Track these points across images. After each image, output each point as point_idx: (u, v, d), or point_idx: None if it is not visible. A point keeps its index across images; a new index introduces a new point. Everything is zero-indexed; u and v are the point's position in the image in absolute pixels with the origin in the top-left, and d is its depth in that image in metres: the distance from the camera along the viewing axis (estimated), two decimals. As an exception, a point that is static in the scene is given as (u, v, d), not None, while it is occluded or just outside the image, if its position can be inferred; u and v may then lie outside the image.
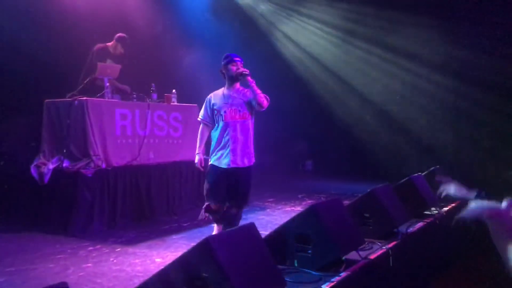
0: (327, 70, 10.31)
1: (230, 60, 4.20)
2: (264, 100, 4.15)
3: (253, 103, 4.16)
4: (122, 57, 6.23)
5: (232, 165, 4.12)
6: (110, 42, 6.21)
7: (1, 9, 6.07)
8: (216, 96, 4.24)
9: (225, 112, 4.15)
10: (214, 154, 4.20)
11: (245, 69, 4.16)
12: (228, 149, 4.12)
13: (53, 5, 6.66)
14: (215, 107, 4.19)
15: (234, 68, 4.16)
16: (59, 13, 6.66)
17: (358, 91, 10.14)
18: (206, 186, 4.25)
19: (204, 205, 4.25)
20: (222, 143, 4.15)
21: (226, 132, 4.14)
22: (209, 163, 4.25)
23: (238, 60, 4.20)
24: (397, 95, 9.76)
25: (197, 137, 4.37)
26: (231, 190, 4.19)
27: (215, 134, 4.21)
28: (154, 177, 5.77)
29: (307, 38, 10.48)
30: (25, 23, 6.38)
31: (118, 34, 6.21)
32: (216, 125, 4.21)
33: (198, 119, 4.36)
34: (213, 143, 4.23)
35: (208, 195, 4.22)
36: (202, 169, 4.36)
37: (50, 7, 6.63)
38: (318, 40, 10.39)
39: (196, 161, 4.32)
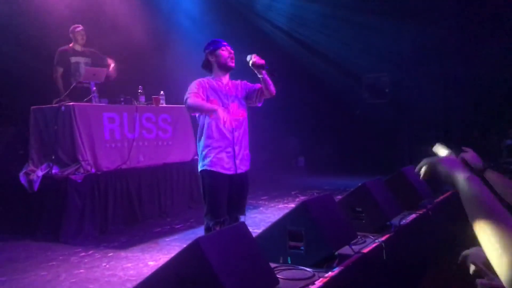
0: (318, 64, 10.26)
1: (219, 45, 3.48)
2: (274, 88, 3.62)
3: (258, 95, 3.60)
4: (89, 46, 6.28)
5: (238, 171, 3.48)
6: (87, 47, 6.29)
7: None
8: (210, 88, 3.45)
9: (225, 107, 3.45)
10: (212, 157, 3.41)
11: (261, 60, 3.47)
12: (231, 153, 3.45)
13: (38, 11, 6.60)
14: (211, 97, 3.44)
15: (226, 53, 3.48)
16: (44, 19, 6.59)
17: (347, 84, 10.14)
18: (209, 200, 3.43)
19: (205, 227, 3.46)
20: (222, 145, 3.42)
21: (227, 131, 3.45)
22: (205, 168, 3.44)
23: (227, 45, 3.51)
24: (386, 88, 9.78)
25: (195, 104, 3.35)
26: (233, 198, 3.52)
27: (212, 133, 3.43)
28: (144, 180, 5.73)
29: (299, 29, 10.33)
30: (10, 29, 6.32)
31: (71, 28, 6.20)
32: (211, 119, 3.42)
33: (188, 95, 3.38)
34: (207, 142, 3.43)
35: (209, 214, 3.41)
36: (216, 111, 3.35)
37: (35, 13, 6.57)
38: (311, 31, 10.28)
39: (213, 108, 3.36)
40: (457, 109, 8.86)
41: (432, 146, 2.12)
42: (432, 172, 1.30)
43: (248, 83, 3.67)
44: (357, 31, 9.63)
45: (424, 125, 9.20)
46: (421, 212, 4.14)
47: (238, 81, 3.64)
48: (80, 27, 6.20)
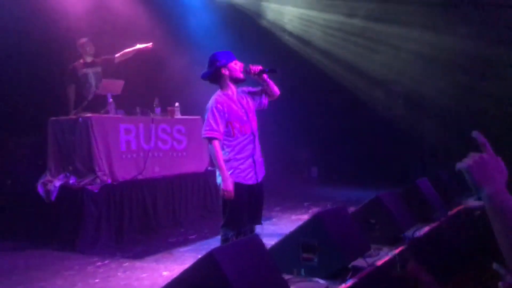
0: (332, 74, 10.22)
1: (232, 58, 3.53)
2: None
3: (262, 98, 3.67)
4: (99, 55, 6.30)
5: (259, 181, 3.56)
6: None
7: (5, 27, 6.15)
8: (225, 103, 3.47)
9: (245, 121, 3.51)
10: (233, 169, 3.45)
11: (257, 66, 3.53)
12: (252, 162, 3.51)
13: (56, 23, 6.74)
14: (231, 119, 3.46)
15: (238, 67, 3.52)
16: (62, 31, 6.74)
17: (361, 96, 10.13)
18: (230, 212, 3.44)
19: (222, 238, 3.49)
20: (244, 156, 3.48)
21: (248, 143, 3.51)
22: (226, 184, 3.40)
23: (235, 58, 3.58)
24: (400, 99, 9.76)
25: (215, 158, 3.42)
26: (252, 208, 3.57)
27: (232, 147, 3.49)
28: (159, 191, 5.80)
29: (313, 35, 10.20)
30: (29, 42, 6.48)
31: (77, 43, 6.23)
32: (231, 137, 3.48)
33: (208, 135, 3.43)
34: (230, 155, 3.48)
35: (229, 225, 3.44)
36: (232, 196, 3.39)
37: (53, 25, 6.72)
38: (326, 38, 10.23)
39: (227, 188, 3.37)
40: (474, 120, 8.79)
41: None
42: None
43: (250, 89, 3.71)
44: (371, 40, 9.62)
45: (438, 137, 9.15)
46: (434, 224, 4.14)
47: (241, 90, 3.65)
48: (85, 39, 6.19)
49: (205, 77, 3.58)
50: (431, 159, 8.84)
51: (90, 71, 6.19)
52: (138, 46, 6.29)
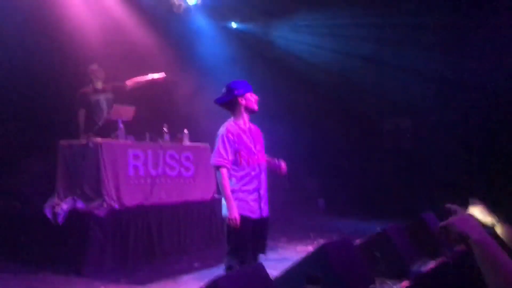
0: (340, 105, 10.27)
1: (250, 89, 3.62)
2: None
3: None
4: (109, 80, 6.37)
5: (264, 215, 3.60)
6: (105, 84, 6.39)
7: (17, 51, 6.33)
8: (236, 133, 3.54)
9: (254, 153, 3.57)
10: (238, 200, 3.47)
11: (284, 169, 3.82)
12: (257, 196, 3.55)
13: (68, 48, 6.92)
14: (240, 148, 3.52)
15: (253, 98, 3.62)
16: (74, 56, 6.91)
17: (368, 127, 10.18)
18: (234, 242, 3.49)
19: (226, 265, 3.51)
20: (250, 189, 3.53)
21: (255, 176, 3.55)
22: (232, 212, 3.44)
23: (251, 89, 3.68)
24: (408, 133, 9.80)
25: (222, 186, 3.47)
26: (256, 238, 3.58)
27: (238, 177, 3.53)
28: (165, 217, 5.81)
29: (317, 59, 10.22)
30: (41, 66, 6.63)
31: (87, 70, 6.31)
32: (238, 166, 3.53)
33: (217, 163, 3.49)
34: (236, 187, 3.51)
35: (233, 253, 3.48)
36: (238, 224, 3.42)
37: (65, 49, 6.90)
38: (328, 74, 10.28)
39: (232, 216, 3.40)
40: (479, 153, 8.78)
41: (467, 202, 1.96)
42: (446, 235, 1.34)
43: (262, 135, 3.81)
44: (377, 75, 9.70)
45: (445, 170, 9.13)
46: (441, 259, 4.10)
47: (255, 127, 3.74)
48: (96, 66, 6.28)
49: (220, 102, 3.66)
50: (438, 192, 8.78)
51: (102, 97, 6.26)
52: (151, 75, 6.39)
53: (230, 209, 3.40)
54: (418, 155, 9.57)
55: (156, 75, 6.39)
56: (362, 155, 10.25)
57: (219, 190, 4.11)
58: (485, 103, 8.57)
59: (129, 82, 6.39)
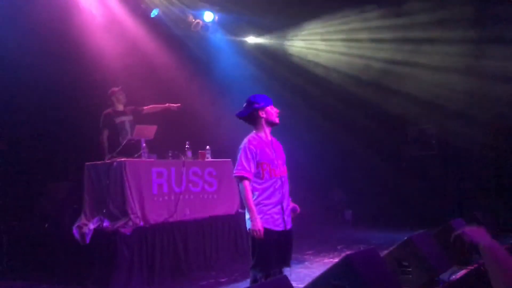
0: (366, 116, 10.12)
1: (270, 102, 3.65)
2: None
3: None
4: (129, 104, 6.55)
5: (288, 227, 3.58)
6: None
7: (43, 76, 6.53)
8: (258, 145, 3.57)
9: (276, 165, 3.58)
10: (262, 214, 3.48)
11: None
12: (280, 209, 3.54)
13: (92, 70, 7.12)
14: (262, 160, 3.53)
15: (274, 111, 3.66)
16: (97, 78, 7.09)
17: (393, 137, 10.04)
18: (259, 255, 3.48)
19: (252, 279, 3.53)
20: (273, 202, 3.53)
21: (278, 188, 3.55)
22: (256, 224, 3.43)
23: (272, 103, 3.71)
24: (433, 139, 9.62)
25: (245, 197, 3.48)
26: (280, 251, 3.57)
27: (261, 190, 3.54)
28: (190, 233, 5.83)
29: (339, 80, 10.14)
30: (65, 90, 6.83)
31: (109, 92, 6.49)
32: (260, 179, 3.54)
33: (239, 174, 3.51)
34: (258, 199, 3.52)
35: (258, 266, 3.47)
36: (262, 235, 3.41)
37: (89, 72, 7.09)
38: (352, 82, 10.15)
39: (255, 227, 3.39)
40: (508, 158, 8.54)
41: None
42: (458, 245, 1.56)
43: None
44: (400, 81, 9.56)
45: (473, 175, 8.92)
46: (472, 267, 3.97)
47: (276, 140, 3.75)
48: (117, 88, 6.47)
49: (241, 116, 3.68)
50: (467, 200, 8.57)
51: (125, 119, 6.43)
52: (168, 104, 6.67)
53: (254, 221, 3.39)
54: (444, 161, 9.37)
55: (173, 105, 6.66)
56: (388, 164, 10.09)
57: (243, 205, 4.09)
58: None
59: (146, 108, 6.63)
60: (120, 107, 6.44)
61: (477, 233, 1.47)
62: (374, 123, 10.05)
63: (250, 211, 3.43)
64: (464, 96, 8.80)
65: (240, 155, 3.53)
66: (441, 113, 9.25)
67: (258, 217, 3.40)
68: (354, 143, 10.32)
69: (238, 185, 3.57)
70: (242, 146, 3.57)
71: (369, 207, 10.20)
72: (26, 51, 6.37)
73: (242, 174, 3.47)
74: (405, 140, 10.17)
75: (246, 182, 3.46)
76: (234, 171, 3.55)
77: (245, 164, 3.48)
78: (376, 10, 8.87)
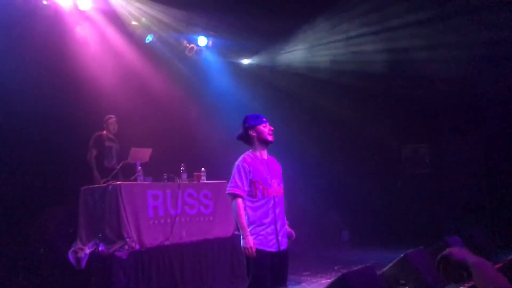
0: (360, 134, 10.13)
1: (261, 121, 3.65)
2: None
3: None
4: (122, 136, 6.90)
5: (281, 248, 3.55)
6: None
7: (41, 100, 6.57)
8: (252, 163, 3.56)
9: (269, 184, 3.55)
10: (255, 234, 3.46)
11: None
12: (274, 229, 3.51)
13: (88, 95, 7.18)
14: (255, 179, 3.52)
15: (266, 129, 3.64)
16: (93, 104, 7.14)
17: (386, 154, 10.08)
18: (254, 275, 3.45)
19: None
20: (266, 222, 3.50)
21: (271, 208, 3.52)
22: (247, 241, 3.42)
23: (266, 121, 3.69)
24: (427, 158, 9.67)
25: (237, 215, 3.45)
26: (275, 274, 3.54)
27: (254, 209, 3.52)
28: (187, 256, 5.80)
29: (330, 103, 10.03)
30: (61, 115, 6.86)
31: (105, 118, 6.84)
32: (253, 197, 3.53)
33: (232, 192, 3.50)
34: (251, 219, 3.51)
35: (254, 285, 3.46)
36: (253, 253, 3.41)
37: (85, 97, 7.14)
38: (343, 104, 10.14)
39: (247, 245, 3.39)
40: (501, 176, 8.58)
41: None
42: (445, 266, 1.54)
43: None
44: (391, 101, 9.63)
45: (468, 193, 8.94)
46: (470, 284, 3.97)
47: (272, 159, 3.76)
48: (113, 118, 6.85)
49: (238, 137, 3.74)
50: (462, 218, 8.57)
51: (114, 145, 6.82)
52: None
53: (245, 238, 3.39)
54: (438, 180, 9.40)
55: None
56: (382, 183, 10.11)
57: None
58: (507, 126, 8.43)
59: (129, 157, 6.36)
60: (111, 135, 6.82)
61: (462, 252, 1.48)
62: (368, 143, 10.12)
63: (242, 228, 3.43)
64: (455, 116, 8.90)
65: (234, 173, 3.54)
66: (434, 133, 9.35)
67: (249, 235, 3.41)
68: (348, 163, 10.36)
69: (231, 202, 3.56)
70: (236, 164, 3.59)
71: (366, 227, 10.17)
72: (21, 79, 6.42)
73: (235, 192, 3.47)
74: (399, 159, 10.21)
75: (239, 200, 3.46)
76: (227, 188, 3.56)
77: (238, 181, 3.48)
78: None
